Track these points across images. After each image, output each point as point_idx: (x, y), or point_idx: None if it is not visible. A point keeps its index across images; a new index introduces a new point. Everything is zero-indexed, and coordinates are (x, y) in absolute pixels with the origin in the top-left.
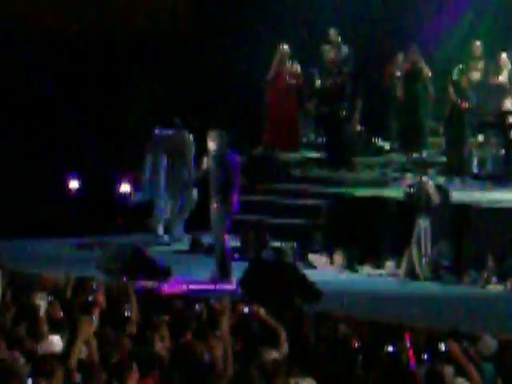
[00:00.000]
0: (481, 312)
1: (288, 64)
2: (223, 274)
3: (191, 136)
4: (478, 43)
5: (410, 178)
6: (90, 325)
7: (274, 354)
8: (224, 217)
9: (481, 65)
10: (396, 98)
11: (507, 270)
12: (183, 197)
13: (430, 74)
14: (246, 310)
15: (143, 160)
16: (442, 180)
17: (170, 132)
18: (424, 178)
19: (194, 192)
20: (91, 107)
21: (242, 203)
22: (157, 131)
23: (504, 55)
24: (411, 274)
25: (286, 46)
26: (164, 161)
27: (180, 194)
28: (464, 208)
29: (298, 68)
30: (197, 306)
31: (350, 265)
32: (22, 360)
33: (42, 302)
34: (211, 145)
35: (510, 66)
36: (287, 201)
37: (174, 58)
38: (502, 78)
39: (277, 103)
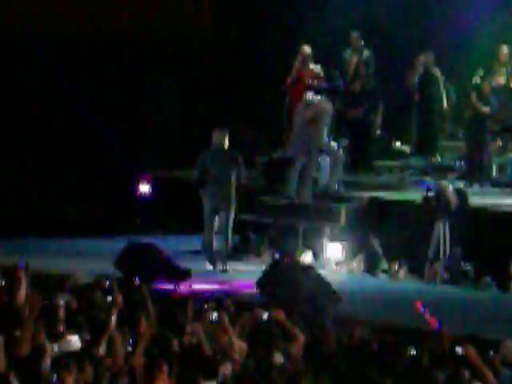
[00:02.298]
0: (502, 317)
1: (310, 66)
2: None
3: None
4: (505, 48)
5: (429, 182)
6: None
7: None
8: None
9: (506, 70)
10: (415, 103)
11: None
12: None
13: (443, 81)
14: (265, 315)
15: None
16: (461, 185)
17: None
18: (443, 183)
19: None
20: (113, 108)
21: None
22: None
23: None
24: (428, 278)
25: (307, 48)
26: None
27: None
28: (483, 213)
29: (319, 70)
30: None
31: (370, 268)
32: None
33: (62, 302)
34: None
35: None
36: (307, 203)
37: (197, 58)
38: None
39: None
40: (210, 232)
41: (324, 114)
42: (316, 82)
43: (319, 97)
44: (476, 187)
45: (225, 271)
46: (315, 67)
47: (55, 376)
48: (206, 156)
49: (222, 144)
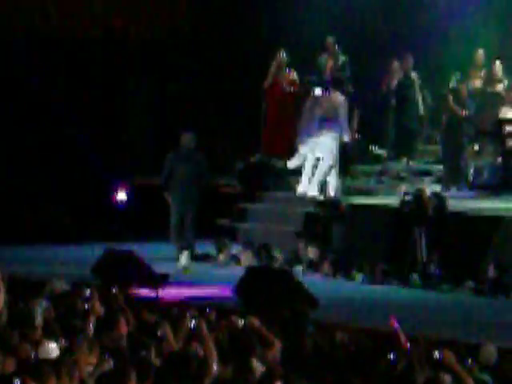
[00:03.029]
0: (480, 321)
1: (285, 72)
2: None
3: None
4: (480, 52)
5: (406, 186)
6: None
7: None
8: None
9: (482, 73)
10: (392, 107)
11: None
12: None
13: (419, 84)
14: (241, 322)
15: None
16: (438, 188)
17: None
18: (420, 186)
19: None
20: (88, 115)
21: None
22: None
23: (498, 63)
24: (406, 282)
25: (283, 54)
26: None
27: None
28: (461, 216)
29: (295, 76)
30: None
31: (347, 272)
32: None
33: (39, 308)
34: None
35: (501, 74)
36: (284, 208)
37: (173, 66)
38: (499, 86)
39: (274, 110)
40: (176, 231)
41: (339, 106)
42: (292, 87)
43: (326, 91)
44: (453, 191)
45: (186, 269)
46: (291, 73)
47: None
48: (171, 158)
49: (189, 146)
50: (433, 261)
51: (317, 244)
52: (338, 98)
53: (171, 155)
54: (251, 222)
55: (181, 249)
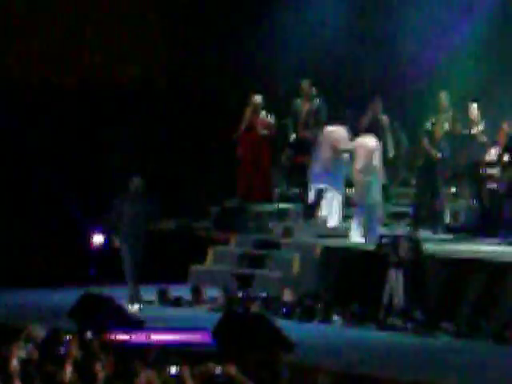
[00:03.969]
0: (455, 364)
1: (261, 115)
2: None
3: None
4: (442, 94)
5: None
6: None
7: None
8: None
9: (448, 115)
10: None
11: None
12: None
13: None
14: (217, 370)
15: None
16: (414, 231)
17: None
18: (396, 230)
19: None
20: (66, 158)
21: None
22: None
23: (475, 106)
24: (382, 325)
25: (258, 97)
26: None
27: None
28: (437, 259)
29: (270, 119)
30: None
31: (325, 315)
32: None
33: (15, 354)
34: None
35: (479, 116)
36: (260, 252)
37: (150, 110)
38: (476, 129)
39: (250, 154)
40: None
41: (343, 139)
42: (267, 130)
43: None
44: (428, 233)
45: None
46: (266, 116)
47: None
48: (121, 202)
49: (136, 190)
50: (408, 303)
51: (293, 287)
52: (342, 131)
53: (118, 199)
54: (229, 265)
55: (132, 301)
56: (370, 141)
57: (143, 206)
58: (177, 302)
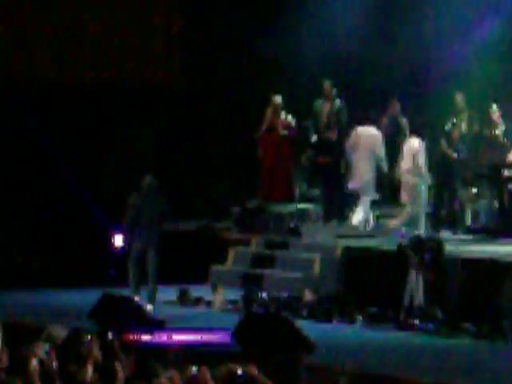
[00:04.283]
0: (477, 366)
1: (281, 115)
2: None
3: None
4: (457, 95)
5: (404, 229)
6: None
7: None
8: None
9: (464, 116)
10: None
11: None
12: None
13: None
14: (239, 371)
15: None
16: (435, 232)
17: None
18: (418, 230)
19: None
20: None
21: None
22: None
23: (495, 106)
24: (402, 326)
25: (278, 98)
26: None
27: None
28: (458, 260)
29: (291, 119)
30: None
31: (346, 316)
32: None
33: (35, 354)
34: None
35: (500, 118)
36: (281, 253)
37: (164, 109)
38: (497, 130)
39: (271, 155)
40: (135, 276)
41: (376, 141)
42: (288, 131)
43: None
44: (448, 234)
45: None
46: (287, 117)
47: None
48: (136, 199)
49: (150, 187)
50: (430, 305)
51: (313, 287)
52: (375, 132)
53: (134, 197)
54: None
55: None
56: (414, 141)
57: (155, 203)
58: (197, 302)
